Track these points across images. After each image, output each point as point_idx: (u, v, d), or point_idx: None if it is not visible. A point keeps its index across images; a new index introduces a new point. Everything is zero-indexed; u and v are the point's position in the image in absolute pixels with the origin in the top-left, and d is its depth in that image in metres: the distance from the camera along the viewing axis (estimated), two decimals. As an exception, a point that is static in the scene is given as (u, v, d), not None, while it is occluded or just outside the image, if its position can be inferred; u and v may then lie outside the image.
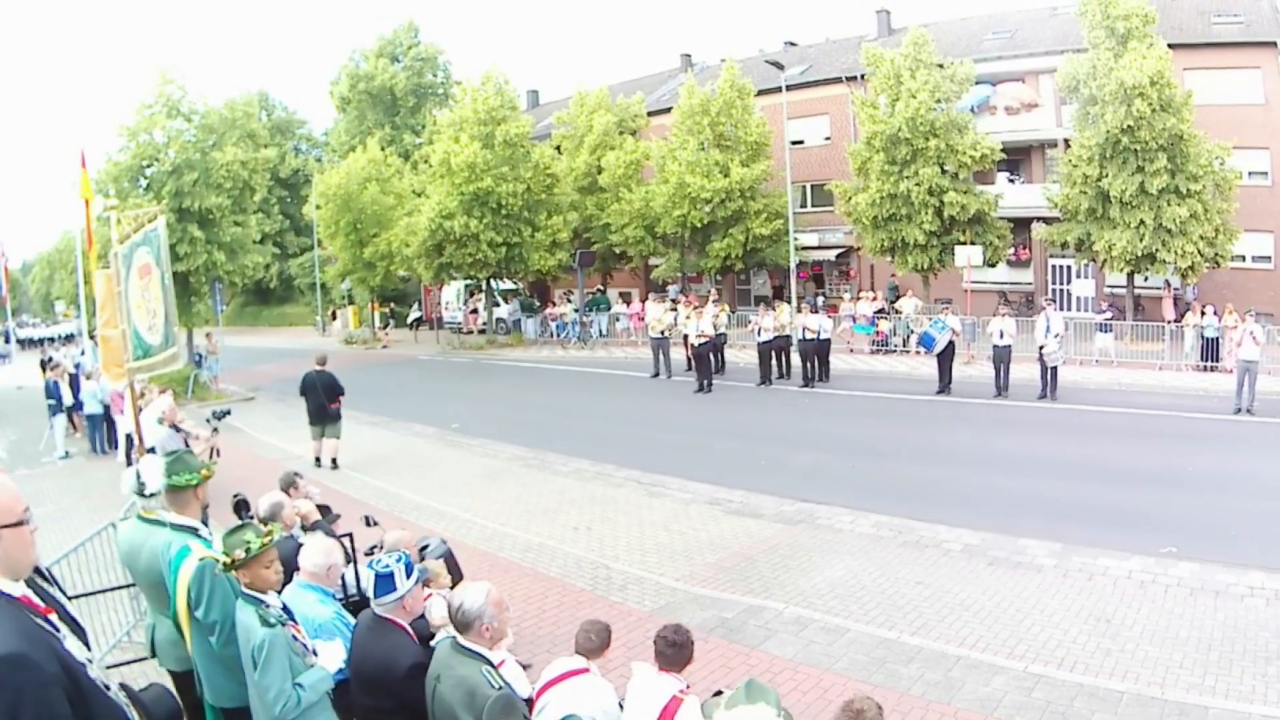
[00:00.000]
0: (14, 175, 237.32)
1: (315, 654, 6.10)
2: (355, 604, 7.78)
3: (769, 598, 12.25)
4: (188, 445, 14.48)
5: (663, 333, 34.30)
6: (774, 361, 32.21)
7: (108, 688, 4.36)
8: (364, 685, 6.05)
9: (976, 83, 41.57)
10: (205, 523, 7.67)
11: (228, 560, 5.91)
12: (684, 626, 6.71)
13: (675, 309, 36.90)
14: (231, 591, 6.18)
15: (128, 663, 9.51)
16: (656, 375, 34.65)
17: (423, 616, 7.13)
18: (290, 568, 7.05)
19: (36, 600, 4.26)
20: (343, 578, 8.11)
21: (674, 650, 6.52)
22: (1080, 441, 21.47)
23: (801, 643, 10.79)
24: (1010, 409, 25.86)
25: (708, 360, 31.57)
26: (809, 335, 30.76)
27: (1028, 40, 46.12)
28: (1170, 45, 34.51)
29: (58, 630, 4.23)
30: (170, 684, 7.06)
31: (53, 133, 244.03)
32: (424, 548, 9.39)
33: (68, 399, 28.92)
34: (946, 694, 9.36)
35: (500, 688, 5.59)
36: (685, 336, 32.84)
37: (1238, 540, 13.72)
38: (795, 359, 31.98)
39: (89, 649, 4.60)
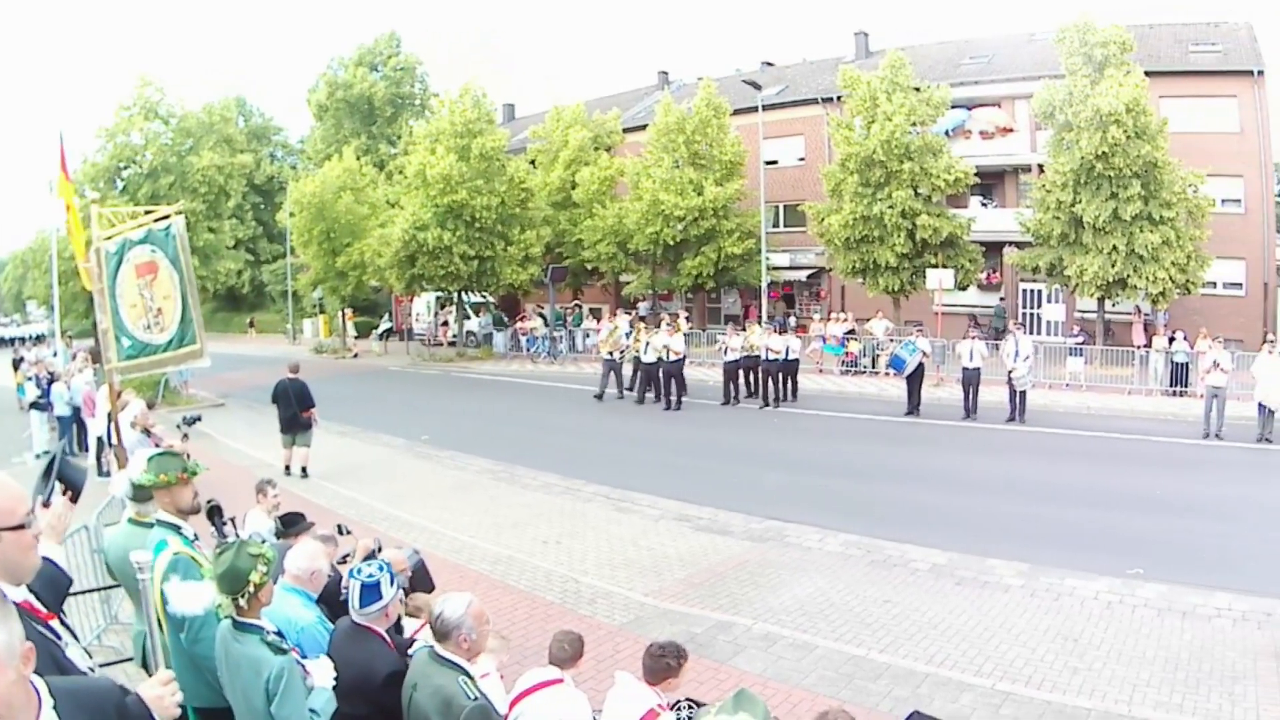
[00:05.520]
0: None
1: (308, 673, 5.87)
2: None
3: (738, 614, 12.28)
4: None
5: (610, 353, 33.71)
6: (741, 381, 32.09)
7: None
8: (341, 693, 5.93)
9: (952, 107, 41.82)
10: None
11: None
12: (678, 644, 6.79)
13: (640, 326, 35.72)
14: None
15: (99, 666, 9.48)
16: (600, 396, 33.61)
17: (400, 627, 7.14)
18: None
19: (39, 606, 4.23)
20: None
21: (660, 664, 6.59)
22: (1049, 464, 21.65)
23: (770, 658, 10.83)
24: (979, 431, 25.95)
25: (657, 380, 31.56)
26: (772, 355, 30.63)
27: (1004, 66, 46.39)
28: (1147, 73, 34.84)
29: (60, 638, 4.21)
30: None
31: (28, 131, 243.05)
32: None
33: (31, 395, 29.14)
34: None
35: (476, 698, 5.59)
36: (636, 358, 32.42)
37: (1205, 562, 13.82)
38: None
39: (90, 656, 4.56)
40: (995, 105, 45.52)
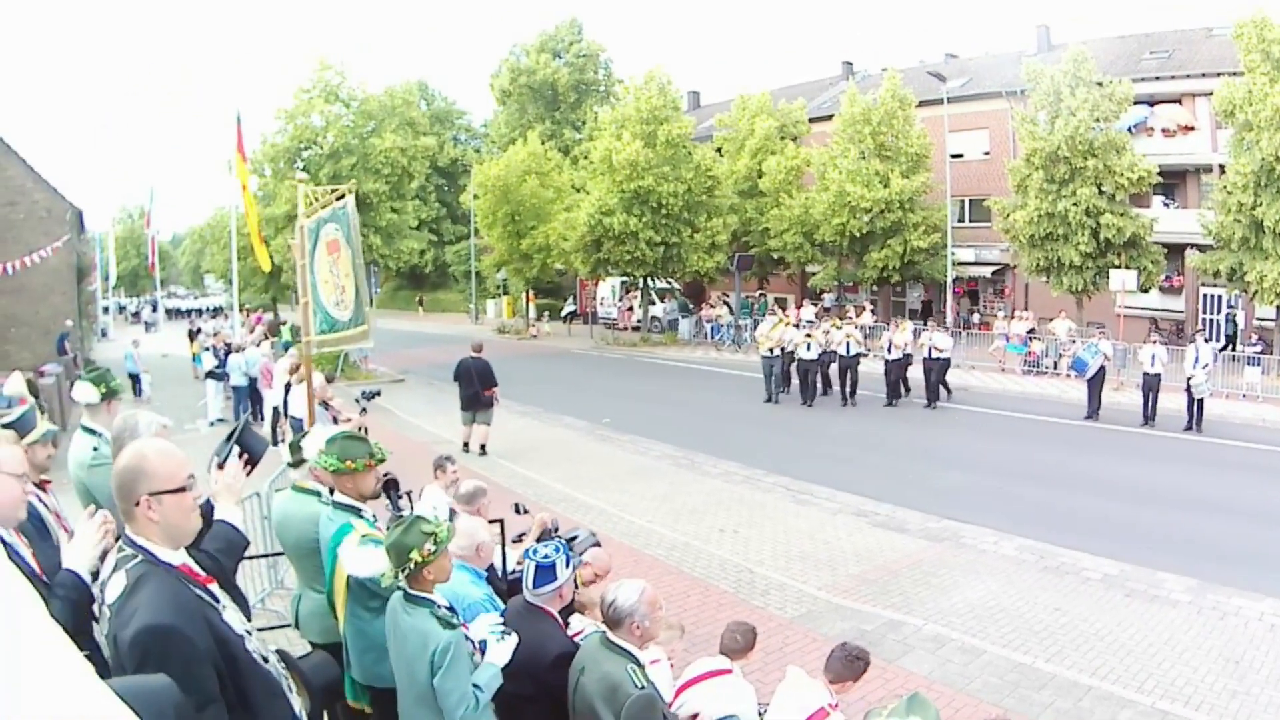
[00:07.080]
0: (167, 149, 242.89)
1: (482, 652, 5.89)
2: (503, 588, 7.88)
3: (909, 613, 12.44)
4: (336, 423, 14.82)
5: (771, 350, 31.63)
6: (898, 379, 31.18)
7: (266, 659, 4.57)
8: (509, 671, 5.87)
9: (1134, 103, 41.19)
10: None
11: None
12: (865, 650, 7.03)
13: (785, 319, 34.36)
14: None
15: (259, 629, 9.96)
16: (769, 400, 31.71)
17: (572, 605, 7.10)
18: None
19: (197, 569, 4.36)
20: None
21: (851, 666, 6.85)
22: (1223, 477, 21.27)
23: (938, 661, 10.99)
24: (1156, 439, 25.57)
25: (814, 377, 31.20)
26: (936, 354, 30.17)
27: (1184, 62, 45.29)
28: (1329, 71, 33.59)
29: (218, 601, 4.35)
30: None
31: (208, 109, 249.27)
32: (572, 539, 9.54)
33: (208, 364, 30.34)
34: (1075, 723, 9.53)
35: (643, 687, 5.61)
36: (791, 353, 31.61)
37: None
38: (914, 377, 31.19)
39: (249, 619, 4.87)
40: (1176, 102, 44.50)
